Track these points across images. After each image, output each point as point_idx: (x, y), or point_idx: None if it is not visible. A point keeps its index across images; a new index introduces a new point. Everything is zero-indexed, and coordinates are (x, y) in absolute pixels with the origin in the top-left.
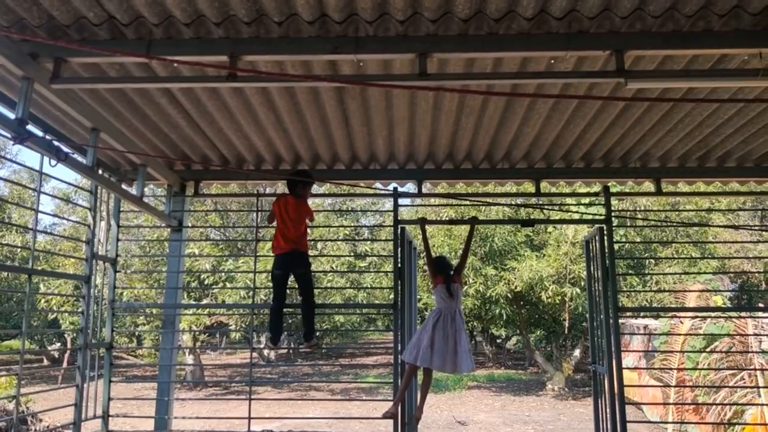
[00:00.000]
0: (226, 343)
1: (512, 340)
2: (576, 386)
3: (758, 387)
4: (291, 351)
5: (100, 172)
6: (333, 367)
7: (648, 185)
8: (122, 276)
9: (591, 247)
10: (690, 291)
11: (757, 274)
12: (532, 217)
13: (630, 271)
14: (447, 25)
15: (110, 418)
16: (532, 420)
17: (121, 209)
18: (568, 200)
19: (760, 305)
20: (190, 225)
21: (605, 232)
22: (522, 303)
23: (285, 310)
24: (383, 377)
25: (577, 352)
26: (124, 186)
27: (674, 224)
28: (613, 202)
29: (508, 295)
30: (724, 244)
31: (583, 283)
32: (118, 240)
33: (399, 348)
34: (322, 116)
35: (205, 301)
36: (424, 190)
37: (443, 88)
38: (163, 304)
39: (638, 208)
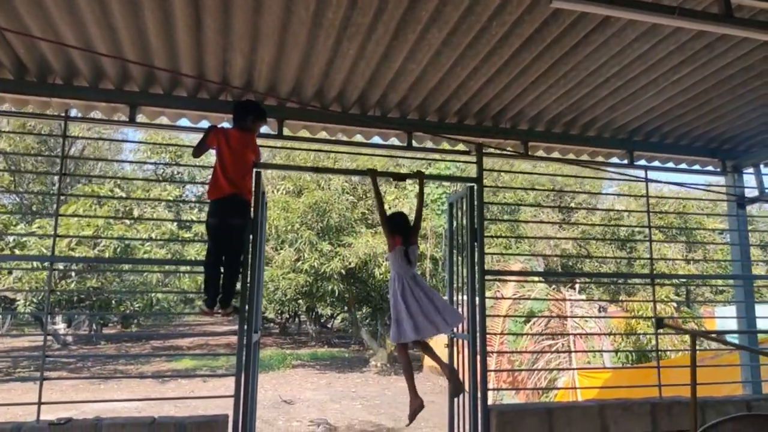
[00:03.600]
0: (11, 324)
1: (338, 319)
2: (397, 362)
3: (570, 351)
4: (93, 332)
5: None
6: (143, 349)
7: (517, 147)
8: None
9: (455, 209)
10: (528, 255)
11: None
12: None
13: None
14: None
15: None
16: (359, 396)
17: None
18: (438, 157)
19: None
20: None
21: (475, 192)
22: (353, 280)
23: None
24: (199, 359)
25: None
26: None
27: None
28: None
29: (342, 271)
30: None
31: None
32: None
33: (245, 328)
34: (167, 11)
35: None
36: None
37: None
38: None
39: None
